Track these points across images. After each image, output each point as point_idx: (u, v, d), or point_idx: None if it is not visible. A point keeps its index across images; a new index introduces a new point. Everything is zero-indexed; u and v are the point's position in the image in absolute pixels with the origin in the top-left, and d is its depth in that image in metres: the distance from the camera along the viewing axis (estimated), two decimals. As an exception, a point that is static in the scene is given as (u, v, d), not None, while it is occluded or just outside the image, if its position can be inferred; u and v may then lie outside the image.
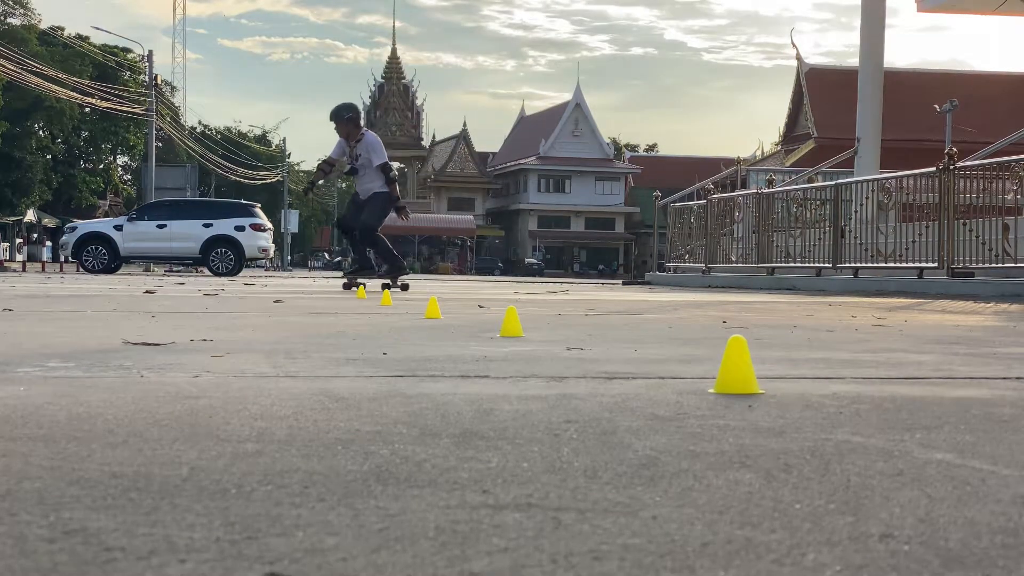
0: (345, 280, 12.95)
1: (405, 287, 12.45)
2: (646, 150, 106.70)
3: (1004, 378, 3.15)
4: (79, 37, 62.30)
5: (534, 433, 1.95)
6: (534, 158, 77.73)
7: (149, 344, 3.96)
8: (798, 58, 54.92)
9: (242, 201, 31.06)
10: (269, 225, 28.57)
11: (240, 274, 26.55)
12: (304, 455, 1.67)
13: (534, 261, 73.85)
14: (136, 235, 26.95)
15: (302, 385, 2.66)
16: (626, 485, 1.48)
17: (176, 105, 79.48)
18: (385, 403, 2.33)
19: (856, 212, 16.26)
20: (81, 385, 2.59)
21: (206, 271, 28.15)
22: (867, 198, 15.93)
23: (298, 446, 1.76)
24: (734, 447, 1.83)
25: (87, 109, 59.18)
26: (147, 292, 10.96)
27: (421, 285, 16.44)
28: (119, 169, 77.17)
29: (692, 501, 1.39)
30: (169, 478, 1.47)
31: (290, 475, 1.51)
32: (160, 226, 27.09)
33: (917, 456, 1.77)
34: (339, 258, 76.44)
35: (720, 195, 21.56)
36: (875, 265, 15.42)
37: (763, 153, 55.47)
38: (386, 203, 12.53)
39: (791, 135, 55.37)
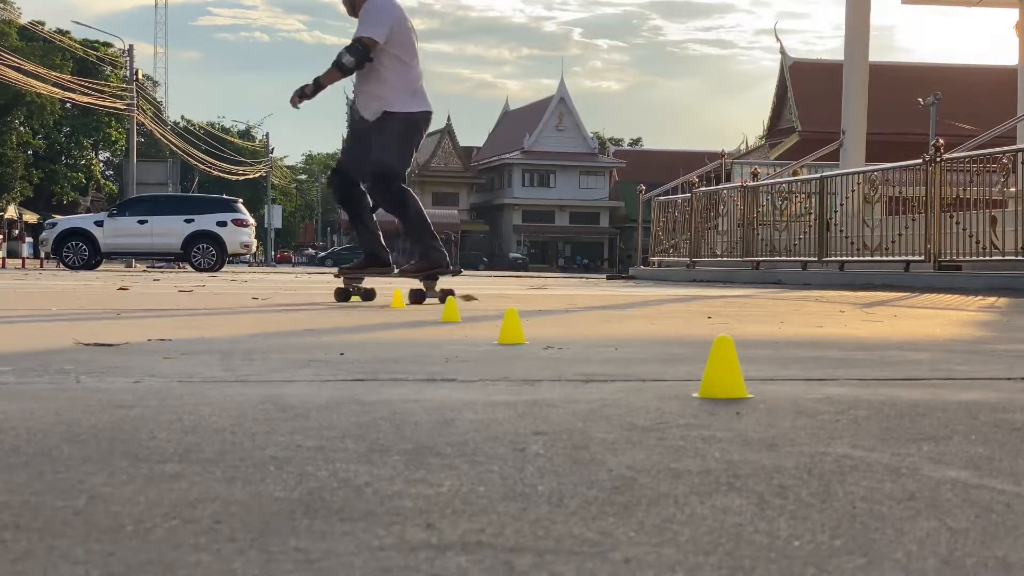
0: (340, 283, 7.74)
1: (467, 297, 7.78)
2: (630, 144, 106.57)
3: (1008, 379, 2.95)
4: (59, 32, 61.80)
5: (496, 448, 1.73)
6: (518, 152, 77.46)
7: (102, 344, 3.73)
8: (782, 52, 54.75)
9: (224, 196, 30.79)
10: (251, 220, 28.34)
11: (222, 270, 26.27)
12: (228, 479, 1.46)
13: (519, 256, 73.55)
14: (117, 231, 26.67)
15: (250, 391, 2.44)
16: (596, 516, 1.27)
17: (158, 100, 78.96)
18: (337, 412, 2.11)
19: (842, 205, 16.10)
20: (6, 392, 2.37)
21: (188, 267, 27.86)
22: (853, 191, 15.75)
23: (224, 467, 1.54)
24: (721, 464, 1.62)
25: (68, 104, 58.69)
26: (121, 289, 10.71)
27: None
28: (101, 165, 76.69)
29: (673, 537, 1.18)
30: (60, 511, 1.26)
31: (204, 505, 1.29)
32: (141, 222, 26.81)
33: (928, 474, 1.57)
34: (323, 254, 75.89)
35: (705, 188, 21.38)
36: (861, 259, 15.26)
37: (747, 147, 55.29)
38: (403, 129, 7.28)
39: (775, 129, 55.20)
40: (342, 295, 7.66)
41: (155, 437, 1.79)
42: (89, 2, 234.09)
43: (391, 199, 7.33)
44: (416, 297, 7.17)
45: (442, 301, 6.85)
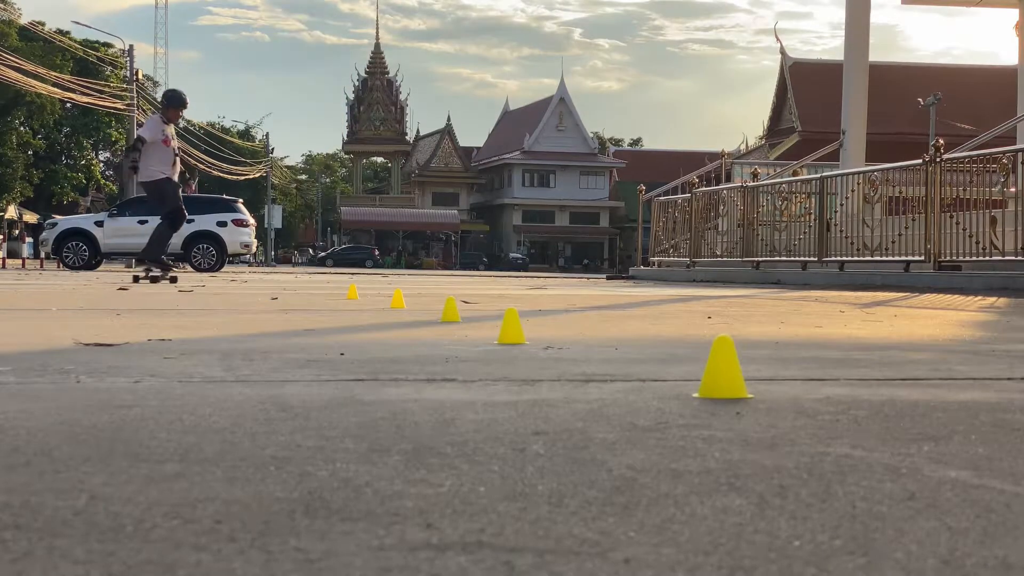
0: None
1: (172, 278, 12.62)
2: (630, 144, 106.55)
3: (1008, 379, 2.95)
4: (59, 32, 61.77)
5: (497, 448, 1.73)
6: (518, 153, 77.42)
7: (102, 344, 3.73)
8: (782, 52, 54.73)
9: (224, 196, 30.76)
10: (252, 220, 28.30)
11: (222, 270, 26.25)
12: (228, 479, 1.46)
13: (519, 256, 73.52)
14: (117, 231, 26.62)
15: (250, 391, 2.44)
16: (596, 516, 1.27)
17: (158, 100, 78.82)
18: (336, 412, 2.11)
19: (842, 205, 16.09)
20: (6, 393, 2.37)
21: (188, 267, 27.85)
22: (853, 191, 15.75)
23: (225, 467, 1.54)
24: (722, 464, 1.62)
25: (68, 104, 58.68)
26: (120, 289, 10.71)
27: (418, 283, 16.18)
28: (101, 165, 76.65)
29: (673, 537, 1.18)
30: (60, 511, 1.26)
31: (205, 505, 1.29)
32: (141, 221, 26.72)
33: (928, 474, 1.57)
34: (322, 253, 75.89)
35: (705, 188, 21.38)
36: (861, 259, 15.25)
37: (747, 147, 55.25)
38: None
39: (775, 129, 55.19)
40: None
41: (155, 437, 1.79)
42: (89, 2, 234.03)
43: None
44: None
45: (173, 282, 11.68)
